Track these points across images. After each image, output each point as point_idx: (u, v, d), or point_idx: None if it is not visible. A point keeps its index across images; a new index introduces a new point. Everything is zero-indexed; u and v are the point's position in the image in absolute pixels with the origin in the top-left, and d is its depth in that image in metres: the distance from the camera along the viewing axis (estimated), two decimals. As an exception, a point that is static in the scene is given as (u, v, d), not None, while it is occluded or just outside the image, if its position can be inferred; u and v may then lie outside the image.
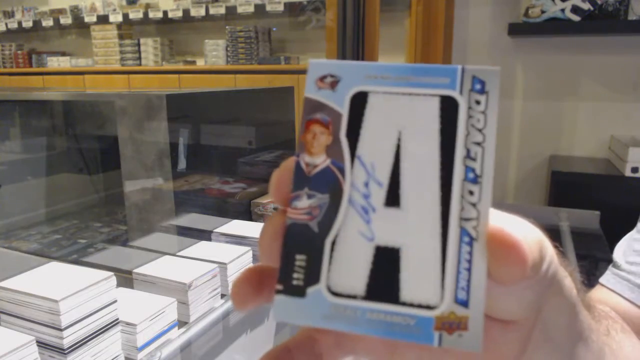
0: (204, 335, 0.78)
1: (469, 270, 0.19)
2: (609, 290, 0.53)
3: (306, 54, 3.18)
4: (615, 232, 0.75)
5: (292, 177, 0.20)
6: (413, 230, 0.19)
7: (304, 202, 0.20)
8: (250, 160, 1.29)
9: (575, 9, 2.01)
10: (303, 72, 2.77)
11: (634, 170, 1.82)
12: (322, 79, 0.21)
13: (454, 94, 0.20)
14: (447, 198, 0.19)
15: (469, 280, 0.19)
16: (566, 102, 2.23)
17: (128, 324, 0.70)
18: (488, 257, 0.19)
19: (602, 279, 0.55)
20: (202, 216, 1.07)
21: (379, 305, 0.19)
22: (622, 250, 0.56)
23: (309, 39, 3.15)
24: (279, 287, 0.20)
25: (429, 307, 0.19)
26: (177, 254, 0.93)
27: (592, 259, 1.08)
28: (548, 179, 2.09)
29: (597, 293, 0.54)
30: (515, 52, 2.26)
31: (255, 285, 0.22)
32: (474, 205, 0.19)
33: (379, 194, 0.20)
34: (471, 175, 0.19)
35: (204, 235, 1.03)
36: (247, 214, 1.20)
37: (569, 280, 0.25)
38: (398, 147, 0.20)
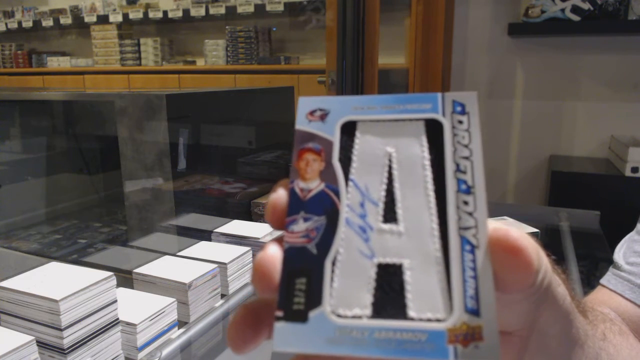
0: (204, 335, 0.78)
1: (474, 278, 0.18)
2: (610, 291, 0.53)
3: (306, 54, 3.18)
4: (615, 232, 0.75)
5: (287, 202, 0.21)
6: (413, 244, 0.19)
7: (300, 226, 0.20)
8: (250, 160, 1.29)
9: (575, 9, 2.01)
10: (303, 72, 2.77)
11: (634, 170, 1.82)
12: (312, 112, 0.22)
13: (438, 116, 0.21)
14: (443, 209, 0.20)
15: (476, 288, 0.18)
16: (566, 102, 2.23)
17: (128, 324, 0.70)
18: (495, 264, 0.18)
19: (602, 280, 0.55)
20: (202, 216, 1.07)
21: (387, 322, 0.18)
22: (622, 252, 0.56)
23: (309, 39, 3.15)
24: (279, 313, 0.18)
25: (438, 320, 0.18)
26: (177, 254, 0.93)
27: (592, 259, 1.08)
28: (548, 179, 2.09)
29: (598, 294, 0.54)
30: (515, 52, 2.26)
31: (252, 324, 0.20)
32: (470, 214, 0.19)
33: (375, 213, 0.20)
34: (464, 186, 0.20)
35: (204, 235, 1.03)
36: (247, 214, 1.20)
37: (562, 289, 0.25)
38: (389, 167, 0.21)
